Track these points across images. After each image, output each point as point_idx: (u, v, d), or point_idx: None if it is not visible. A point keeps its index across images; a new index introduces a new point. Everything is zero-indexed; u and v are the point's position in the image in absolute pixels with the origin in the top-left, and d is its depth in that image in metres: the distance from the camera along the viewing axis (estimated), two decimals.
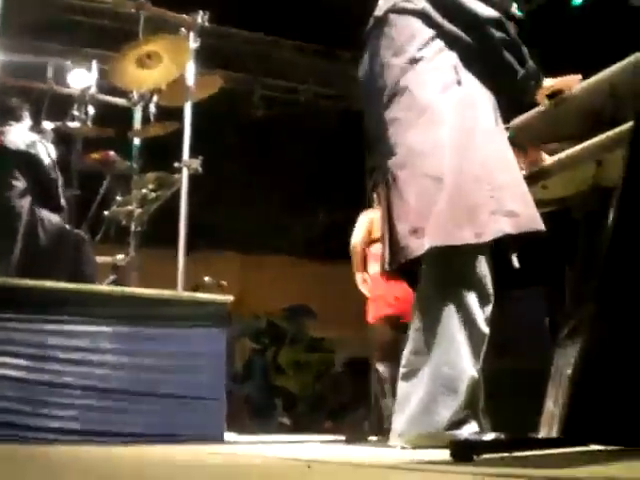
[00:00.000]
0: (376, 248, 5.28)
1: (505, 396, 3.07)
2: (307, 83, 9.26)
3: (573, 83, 2.73)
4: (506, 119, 2.84)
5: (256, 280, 9.61)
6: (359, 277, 5.50)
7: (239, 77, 8.50)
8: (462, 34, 2.68)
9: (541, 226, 2.52)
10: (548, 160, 2.79)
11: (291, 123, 9.38)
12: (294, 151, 9.57)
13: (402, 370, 2.58)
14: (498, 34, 2.65)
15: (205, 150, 4.70)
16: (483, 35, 2.67)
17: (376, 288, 5.34)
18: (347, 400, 10.10)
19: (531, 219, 2.51)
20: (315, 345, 10.36)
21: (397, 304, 5.11)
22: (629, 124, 2.44)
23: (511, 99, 2.77)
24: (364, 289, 5.49)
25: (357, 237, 5.55)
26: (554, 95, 2.76)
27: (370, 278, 5.45)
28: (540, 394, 2.72)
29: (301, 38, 9.12)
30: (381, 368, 5.45)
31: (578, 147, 2.70)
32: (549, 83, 2.72)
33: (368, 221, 5.49)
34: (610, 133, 2.57)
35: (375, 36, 2.86)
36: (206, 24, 4.74)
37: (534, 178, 2.79)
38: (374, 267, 5.32)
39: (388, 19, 2.80)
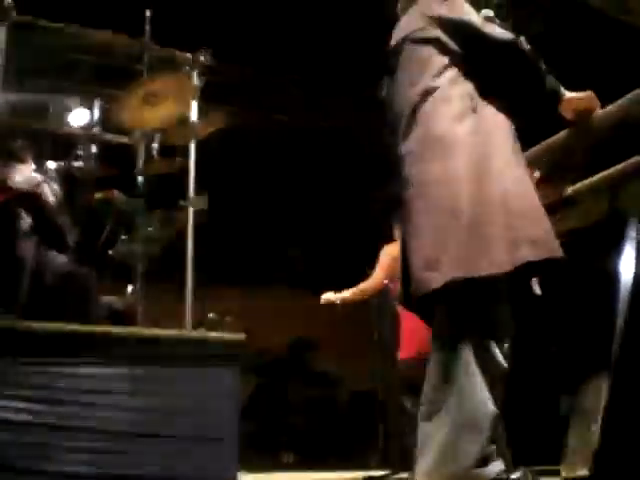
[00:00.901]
0: None
1: None
2: (308, 116, 9.32)
3: (595, 101, 2.72)
4: (530, 141, 2.83)
5: (258, 313, 9.56)
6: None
7: (240, 112, 8.54)
8: (478, 59, 2.67)
9: (560, 253, 2.50)
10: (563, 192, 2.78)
11: (292, 156, 9.43)
12: (295, 184, 9.60)
13: (422, 409, 2.54)
14: (516, 55, 2.64)
15: (206, 185, 4.70)
16: (502, 57, 2.66)
17: (410, 323, 5.37)
18: (352, 434, 10.02)
19: (552, 246, 2.49)
20: (319, 379, 10.30)
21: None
22: None
23: (535, 118, 2.76)
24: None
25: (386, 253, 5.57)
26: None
27: (404, 315, 5.46)
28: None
29: (299, 72, 9.19)
30: (409, 403, 5.46)
31: (592, 179, 2.70)
32: (570, 95, 2.69)
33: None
34: (624, 164, 2.57)
35: (392, 66, 2.87)
36: (209, 63, 4.76)
37: (548, 210, 2.78)
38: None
39: (403, 49, 2.81)
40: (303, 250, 10.39)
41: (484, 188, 2.50)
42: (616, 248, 2.74)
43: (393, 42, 2.89)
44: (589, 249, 2.92)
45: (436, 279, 2.48)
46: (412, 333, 5.32)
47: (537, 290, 2.73)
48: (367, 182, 9.61)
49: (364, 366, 9.10)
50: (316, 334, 10.03)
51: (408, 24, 2.85)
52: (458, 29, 2.71)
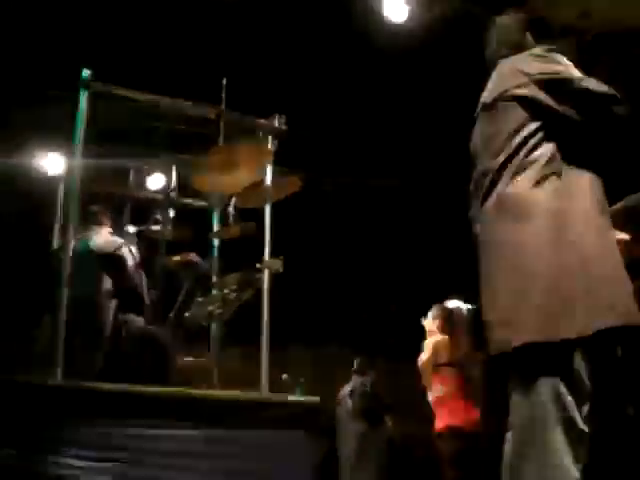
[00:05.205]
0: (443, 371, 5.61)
1: None
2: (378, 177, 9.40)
3: None
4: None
5: (329, 376, 9.51)
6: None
7: (314, 175, 8.66)
8: (576, 116, 2.64)
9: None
10: None
11: (366, 219, 9.48)
12: (368, 247, 9.64)
13: (504, 473, 2.48)
14: (618, 109, 2.60)
15: (280, 247, 4.75)
16: (603, 111, 2.61)
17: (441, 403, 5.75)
18: None
19: (632, 312, 2.45)
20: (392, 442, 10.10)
21: (460, 415, 5.55)
22: None
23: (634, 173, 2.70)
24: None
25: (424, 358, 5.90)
26: None
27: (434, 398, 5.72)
28: None
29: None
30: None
31: None
32: None
33: (433, 346, 5.84)
34: None
35: (481, 121, 2.87)
36: (283, 127, 4.86)
37: (634, 269, 2.73)
38: (439, 388, 5.77)
39: (494, 106, 2.78)
40: (376, 314, 10.37)
41: (562, 252, 2.47)
42: None
43: (487, 97, 2.86)
44: None
45: (512, 340, 2.47)
46: (441, 404, 5.63)
47: (618, 352, 2.67)
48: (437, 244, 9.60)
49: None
50: (388, 398, 9.89)
51: (502, 80, 2.82)
52: (557, 85, 2.66)
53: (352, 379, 8.58)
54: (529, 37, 2.94)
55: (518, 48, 2.88)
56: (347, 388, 8.50)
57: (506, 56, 2.88)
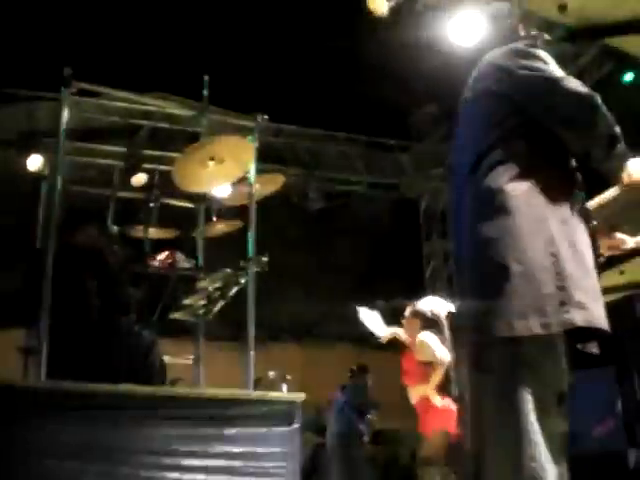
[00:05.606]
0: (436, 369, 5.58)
1: None
2: (360, 174, 9.42)
3: None
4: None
5: (317, 371, 9.53)
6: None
7: (295, 172, 8.66)
8: (546, 115, 2.62)
9: (606, 326, 2.46)
10: (630, 244, 2.74)
11: (347, 213, 9.50)
12: (351, 241, 9.65)
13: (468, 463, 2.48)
14: (597, 110, 2.57)
15: (264, 244, 4.75)
16: (582, 112, 2.58)
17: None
18: None
19: (599, 315, 2.45)
20: (380, 437, 10.11)
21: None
22: None
23: (596, 176, 2.69)
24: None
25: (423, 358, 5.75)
26: None
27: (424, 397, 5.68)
28: None
29: (352, 130, 9.32)
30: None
31: None
32: (636, 166, 2.56)
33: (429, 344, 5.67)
34: None
35: (461, 116, 2.86)
36: (266, 124, 4.85)
37: (611, 264, 2.74)
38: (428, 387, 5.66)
39: (475, 101, 2.79)
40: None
41: (535, 248, 2.47)
42: None
43: (467, 92, 2.86)
44: None
45: (484, 332, 2.47)
46: (430, 405, 5.55)
47: (594, 349, 2.66)
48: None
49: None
50: (376, 391, 9.92)
51: (483, 75, 2.81)
52: (537, 84, 2.64)
53: (349, 380, 9.02)
54: (520, 30, 2.93)
55: (508, 39, 2.87)
56: (341, 387, 8.93)
57: (497, 46, 2.87)
